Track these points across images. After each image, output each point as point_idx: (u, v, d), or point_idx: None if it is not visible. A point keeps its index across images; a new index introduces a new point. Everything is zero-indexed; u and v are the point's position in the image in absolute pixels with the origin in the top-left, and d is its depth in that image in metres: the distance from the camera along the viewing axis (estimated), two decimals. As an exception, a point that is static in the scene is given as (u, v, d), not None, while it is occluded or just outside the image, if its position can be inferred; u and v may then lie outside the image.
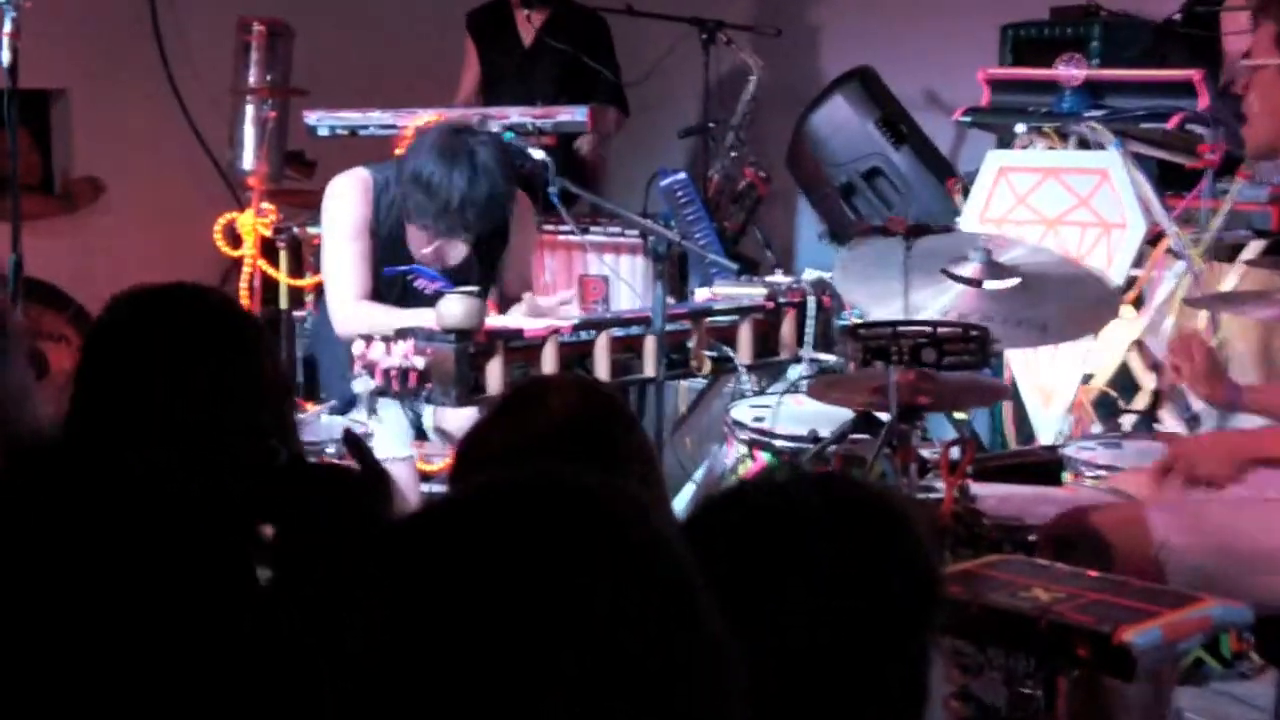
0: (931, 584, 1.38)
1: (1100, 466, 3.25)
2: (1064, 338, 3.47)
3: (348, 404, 3.69)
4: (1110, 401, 4.25)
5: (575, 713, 0.89)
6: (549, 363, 3.61)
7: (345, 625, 0.95)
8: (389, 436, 3.79)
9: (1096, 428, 4.15)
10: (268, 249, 5.05)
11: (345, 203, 3.99)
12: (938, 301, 3.10)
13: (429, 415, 3.97)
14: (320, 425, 3.62)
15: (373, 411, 3.60)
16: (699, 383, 4.20)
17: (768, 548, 1.34)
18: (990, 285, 3.17)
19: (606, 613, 0.92)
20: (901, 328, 2.78)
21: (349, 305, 3.91)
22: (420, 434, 3.99)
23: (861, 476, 2.35)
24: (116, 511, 1.19)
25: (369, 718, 0.92)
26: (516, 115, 4.88)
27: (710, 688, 0.95)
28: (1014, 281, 3.28)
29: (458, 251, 3.94)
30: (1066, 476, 3.26)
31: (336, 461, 3.18)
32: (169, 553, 1.18)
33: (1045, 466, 3.24)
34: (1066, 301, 3.28)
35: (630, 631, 0.91)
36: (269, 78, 5.32)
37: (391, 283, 3.99)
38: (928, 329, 2.78)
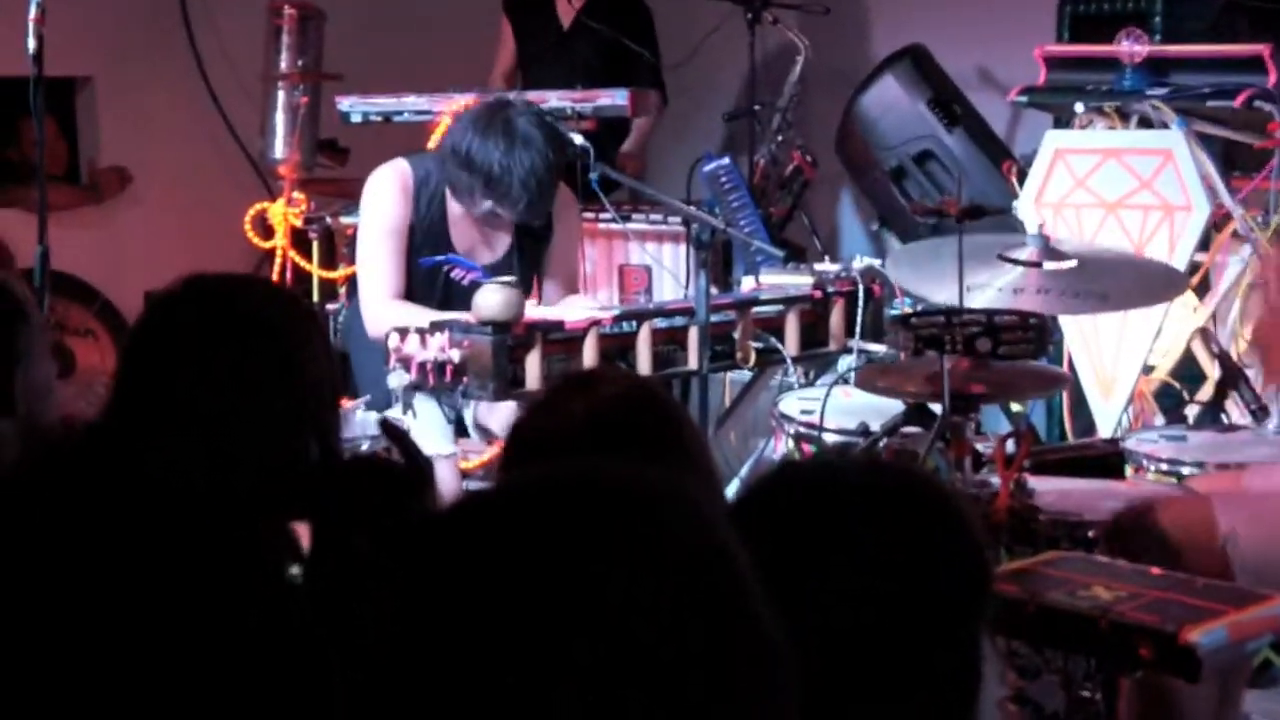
0: (981, 570, 1.40)
1: (1163, 460, 3.23)
2: (1127, 305, 3.46)
3: (384, 401, 3.71)
4: (1174, 392, 4.23)
5: (588, 701, 0.90)
6: (589, 355, 3.61)
7: (360, 616, 0.97)
8: (426, 433, 3.81)
9: (1159, 420, 4.13)
10: (299, 240, 5.09)
11: (383, 197, 4.02)
12: (994, 283, 3.10)
13: (470, 411, 3.99)
14: (356, 421, 3.64)
15: (408, 407, 3.61)
16: (744, 375, 4.20)
17: (811, 525, 1.36)
18: (1050, 266, 3.16)
19: (622, 602, 0.93)
20: (956, 316, 2.77)
21: (381, 304, 3.94)
22: (461, 430, 4.01)
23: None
24: (123, 506, 1.22)
25: (380, 708, 0.94)
26: (555, 99, 4.89)
27: (754, 678, 0.96)
28: (1072, 263, 3.27)
29: (501, 243, 3.97)
30: (1128, 470, 3.25)
31: (378, 455, 3.22)
32: (173, 548, 1.20)
33: (1106, 460, 3.22)
34: (1128, 278, 3.27)
35: (650, 621, 0.92)
36: (300, 63, 5.35)
37: (429, 276, 4.01)
38: (983, 317, 2.77)
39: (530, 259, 4.10)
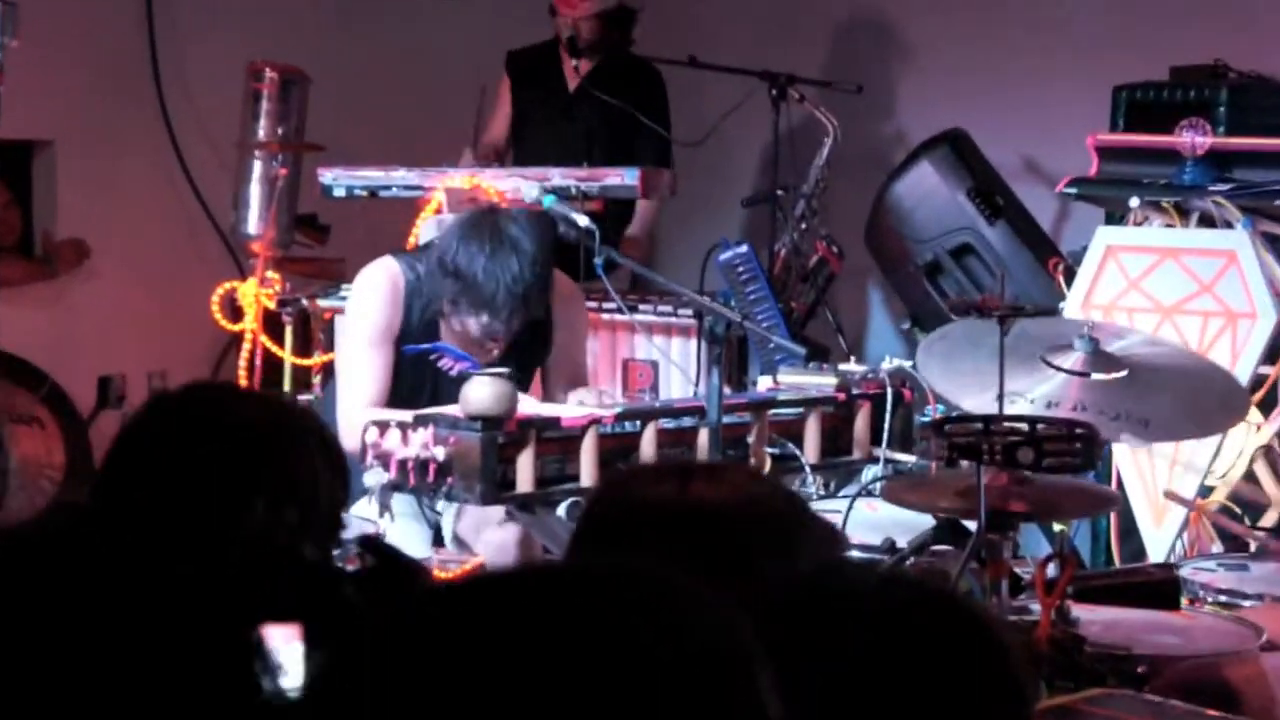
0: (1020, 705, 1.38)
1: (1222, 590, 3.21)
2: (1169, 436, 3.45)
3: (357, 499, 3.69)
4: (1235, 518, 4.21)
5: None
6: (588, 456, 3.61)
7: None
8: (403, 538, 3.79)
9: (1217, 547, 4.11)
10: (271, 324, 5.10)
11: (372, 302, 4.05)
12: (1033, 392, 3.09)
13: (448, 520, 3.97)
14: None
15: (385, 509, 3.60)
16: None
17: (839, 644, 1.36)
18: (1098, 377, 3.16)
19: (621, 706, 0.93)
20: (994, 424, 2.76)
21: (359, 413, 3.93)
22: (439, 539, 3.99)
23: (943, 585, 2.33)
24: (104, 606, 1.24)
25: None
26: (559, 176, 4.92)
27: None
28: (1121, 374, 3.27)
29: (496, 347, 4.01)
30: (1183, 601, 3.23)
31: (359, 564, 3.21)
32: (135, 651, 1.22)
33: (1158, 587, 3.20)
34: (1181, 397, 3.26)
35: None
36: (280, 130, 5.40)
37: (417, 369, 4.01)
38: (1025, 425, 2.76)
39: (529, 355, 4.11)
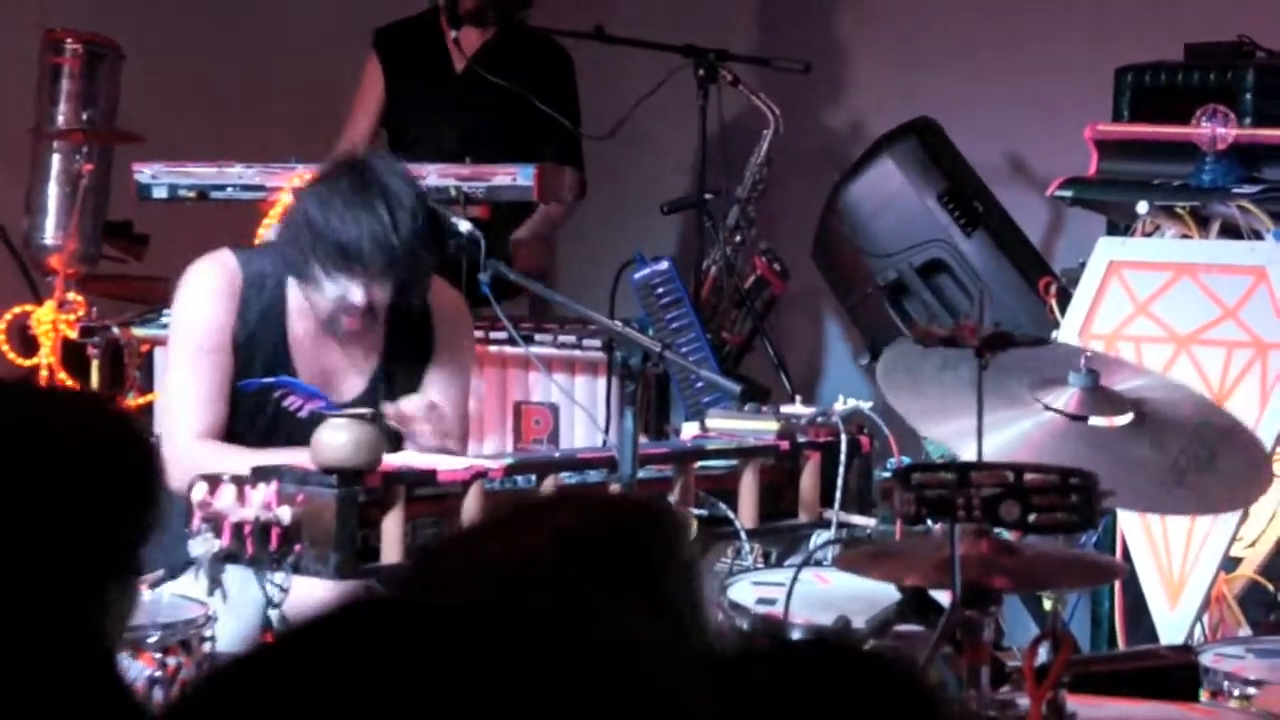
0: None
1: (1251, 682, 3.25)
2: (1168, 509, 3.51)
3: (181, 568, 3.68)
4: (1264, 595, 4.26)
5: None
6: (471, 517, 3.61)
7: None
8: (237, 621, 3.78)
9: (1244, 630, 4.15)
10: (73, 356, 5.07)
11: (199, 301, 4.05)
12: (1011, 428, 3.13)
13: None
14: (145, 603, 3.61)
15: (216, 584, 3.59)
16: (684, 554, 4.20)
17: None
18: (1097, 421, 3.20)
19: None
20: (972, 471, 2.80)
21: (187, 445, 3.92)
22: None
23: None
24: None
25: None
26: (435, 175, 4.94)
27: None
28: (1126, 418, 3.32)
29: (360, 375, 4.00)
30: (1203, 694, 3.27)
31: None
32: None
33: (1173, 675, 3.24)
34: (1196, 449, 3.31)
35: None
36: (85, 116, 5.38)
37: (253, 406, 4.00)
38: (1008, 475, 2.80)
39: (407, 372, 4.10)
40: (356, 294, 3.90)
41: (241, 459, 3.78)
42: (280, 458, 3.71)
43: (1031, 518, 2.77)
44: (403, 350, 4.11)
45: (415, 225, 3.90)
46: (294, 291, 4.04)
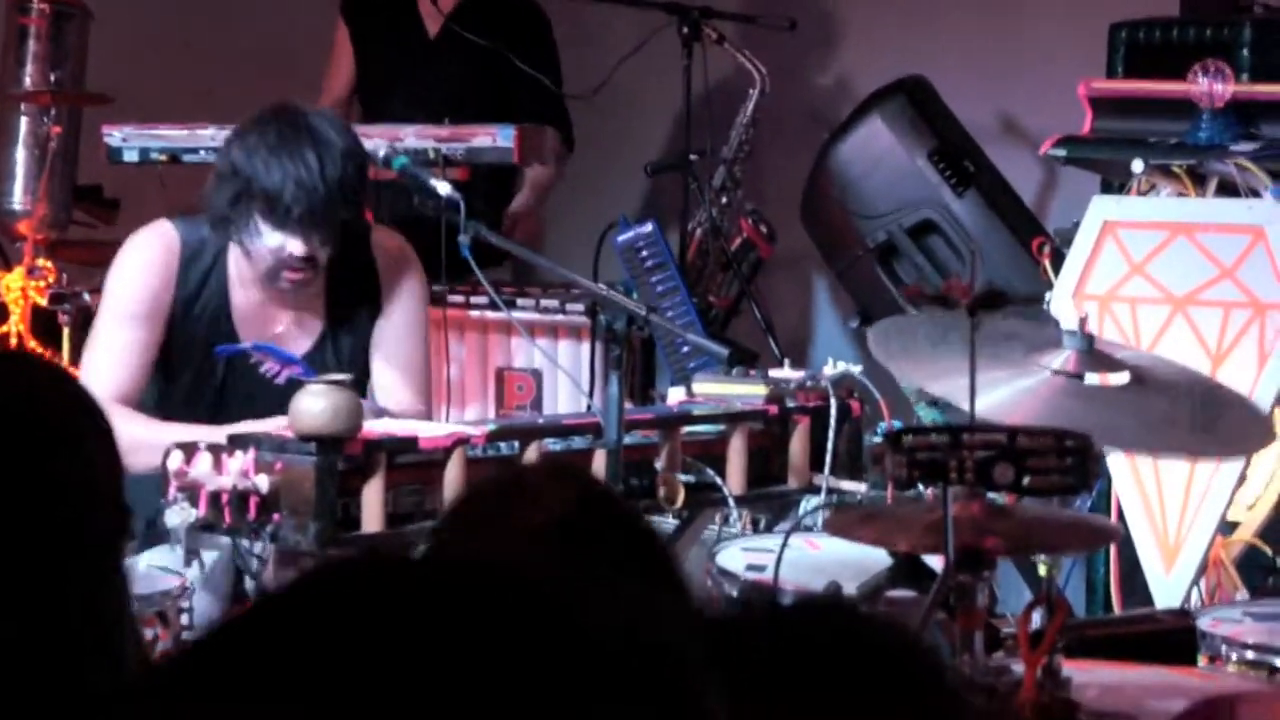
0: None
1: (1249, 645, 3.27)
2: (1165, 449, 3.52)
3: (153, 538, 3.68)
4: (1263, 559, 4.28)
5: None
6: (453, 487, 3.62)
7: None
8: (214, 593, 3.79)
9: (1241, 594, 4.17)
10: (43, 324, 5.07)
11: (132, 270, 4.06)
12: (995, 394, 3.15)
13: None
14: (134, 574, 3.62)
15: (193, 554, 3.59)
16: (670, 521, 4.21)
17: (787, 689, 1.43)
18: (1093, 380, 3.22)
19: None
20: (966, 434, 2.81)
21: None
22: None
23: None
24: None
25: None
26: (413, 137, 4.94)
27: None
28: (1123, 377, 3.33)
29: (304, 337, 3.99)
30: (1200, 659, 3.29)
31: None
32: None
33: (1170, 639, 3.26)
34: (1193, 411, 3.33)
35: None
36: (54, 77, 5.37)
37: (226, 369, 4.00)
38: (1002, 436, 2.81)
39: (351, 350, 4.10)
40: (295, 245, 3.89)
41: (151, 433, 3.76)
42: (198, 433, 3.71)
43: (1025, 480, 2.79)
44: (347, 307, 4.11)
45: (344, 172, 3.88)
46: (236, 258, 4.04)
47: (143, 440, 3.58)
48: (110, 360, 4.00)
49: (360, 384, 4.00)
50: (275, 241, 3.90)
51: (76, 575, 1.85)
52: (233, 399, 4.02)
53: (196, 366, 4.04)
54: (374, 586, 1.05)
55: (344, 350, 4.09)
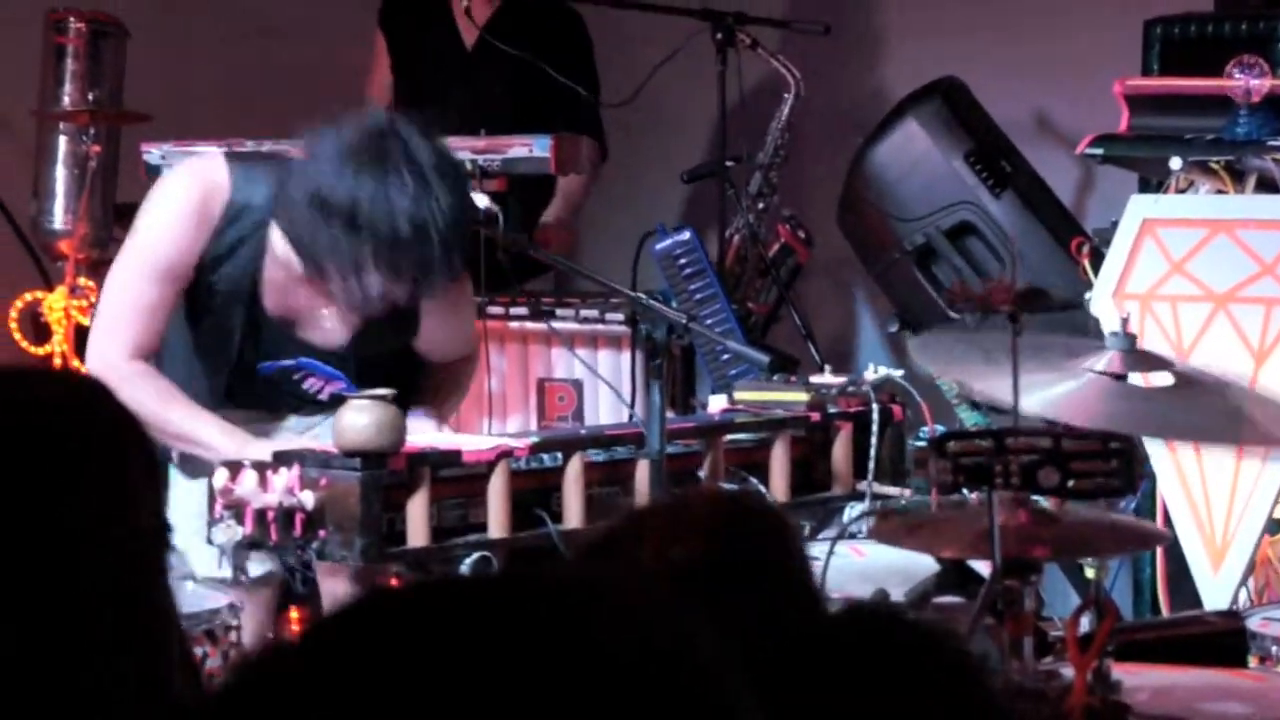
0: None
1: (1300, 646, 3.26)
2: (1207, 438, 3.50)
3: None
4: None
5: None
6: (497, 500, 3.62)
7: None
8: (260, 608, 3.80)
9: (1292, 594, 4.16)
10: (86, 343, 5.09)
11: (170, 217, 3.82)
12: (1037, 397, 3.14)
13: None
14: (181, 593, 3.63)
15: (241, 572, 3.60)
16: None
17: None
18: (1137, 380, 3.21)
19: None
20: (1009, 438, 2.80)
21: (115, 366, 3.77)
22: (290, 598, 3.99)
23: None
24: None
25: None
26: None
27: None
28: (1166, 379, 3.32)
29: (334, 321, 3.87)
30: (1251, 660, 3.27)
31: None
32: None
33: (1219, 640, 3.25)
34: (1232, 408, 3.32)
35: None
36: (92, 96, 5.39)
37: (267, 384, 3.98)
38: (1046, 441, 2.81)
39: (386, 338, 3.95)
40: (399, 292, 3.70)
41: (162, 405, 3.71)
42: (202, 419, 3.74)
43: (1071, 484, 2.78)
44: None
45: (461, 227, 3.68)
46: (278, 237, 3.80)
47: (146, 417, 3.49)
48: (131, 315, 3.83)
49: (397, 374, 3.84)
50: (379, 287, 3.67)
51: (111, 588, 1.86)
52: (250, 353, 3.91)
53: (215, 319, 3.89)
54: (423, 614, 1.07)
55: (373, 343, 3.94)
